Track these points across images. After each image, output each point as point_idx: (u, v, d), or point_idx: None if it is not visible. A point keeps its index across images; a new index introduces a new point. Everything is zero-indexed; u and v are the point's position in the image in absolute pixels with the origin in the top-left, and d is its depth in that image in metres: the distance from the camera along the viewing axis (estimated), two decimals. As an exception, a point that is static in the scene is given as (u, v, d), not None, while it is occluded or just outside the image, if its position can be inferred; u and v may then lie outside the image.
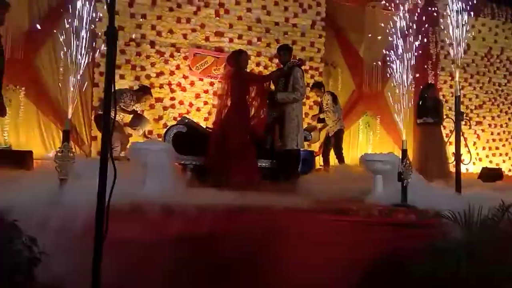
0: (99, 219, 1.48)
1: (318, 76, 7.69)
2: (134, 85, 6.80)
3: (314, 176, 4.58)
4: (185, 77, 7.10)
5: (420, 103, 5.99)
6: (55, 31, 6.29)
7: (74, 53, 2.92)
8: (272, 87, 4.75)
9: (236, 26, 7.34)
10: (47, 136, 6.61)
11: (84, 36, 2.96)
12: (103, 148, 1.49)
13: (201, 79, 7.18)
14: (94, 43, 6.19)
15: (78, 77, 2.94)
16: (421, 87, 6.31)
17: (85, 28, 2.95)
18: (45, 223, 2.50)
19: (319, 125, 6.86)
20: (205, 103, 7.18)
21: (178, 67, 7.06)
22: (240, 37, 7.35)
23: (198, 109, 7.14)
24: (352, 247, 2.86)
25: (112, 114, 1.43)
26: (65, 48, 2.89)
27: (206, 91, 7.19)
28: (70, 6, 3.08)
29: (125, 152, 5.97)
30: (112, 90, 1.38)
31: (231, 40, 7.30)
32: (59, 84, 6.60)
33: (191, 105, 7.11)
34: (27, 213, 2.48)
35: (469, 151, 4.05)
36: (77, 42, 2.94)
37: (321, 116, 6.77)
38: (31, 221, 2.45)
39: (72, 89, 2.79)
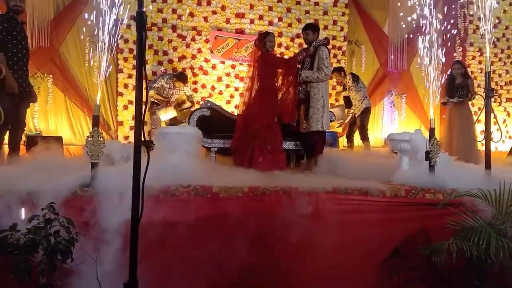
0: (135, 201, 1.53)
1: (341, 55, 7.57)
2: (157, 70, 6.88)
3: (339, 157, 4.55)
4: (206, 60, 7.11)
5: (448, 81, 5.83)
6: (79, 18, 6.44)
7: (99, 39, 2.96)
8: (298, 66, 4.70)
9: (257, 7, 7.26)
10: (75, 122, 6.79)
11: (108, 22, 2.99)
12: (136, 132, 1.52)
13: (222, 62, 7.17)
14: (118, 29, 6.28)
15: (105, 64, 2.99)
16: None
17: (109, 14, 2.99)
18: (79, 205, 2.61)
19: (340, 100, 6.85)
20: (227, 86, 7.19)
21: (199, 51, 7.07)
22: (261, 17, 7.27)
23: (220, 92, 7.16)
24: (380, 226, 2.87)
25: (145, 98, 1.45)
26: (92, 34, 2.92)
27: (228, 74, 7.19)
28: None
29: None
30: (144, 75, 1.40)
31: (251, 21, 7.24)
32: (85, 71, 6.76)
33: (213, 88, 7.14)
34: (62, 196, 2.60)
35: (499, 129, 3.93)
36: (101, 29, 2.98)
37: (344, 93, 6.74)
38: (66, 204, 2.57)
39: (100, 75, 2.84)
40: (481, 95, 4.38)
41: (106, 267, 2.40)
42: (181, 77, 6.43)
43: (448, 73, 5.88)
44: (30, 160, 4.19)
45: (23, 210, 2.31)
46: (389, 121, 8.00)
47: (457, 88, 5.74)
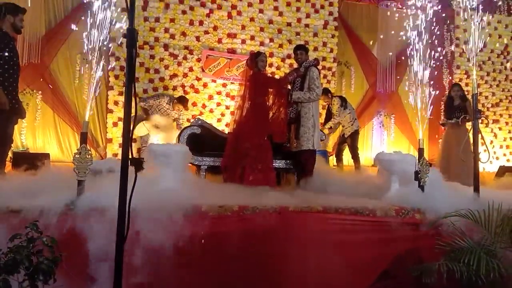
0: (121, 219, 1.49)
1: (331, 76, 7.66)
2: (148, 88, 6.88)
3: (329, 176, 4.55)
4: (198, 79, 7.14)
5: (447, 103, 5.95)
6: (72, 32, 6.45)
7: (90, 57, 2.95)
8: (288, 87, 4.74)
9: (249, 28, 7.36)
10: (63, 139, 6.72)
11: (100, 40, 2.99)
12: (124, 149, 1.50)
13: (214, 81, 7.21)
14: (109, 47, 6.30)
15: (95, 81, 2.97)
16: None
17: (100, 32, 2.99)
18: (64, 223, 2.55)
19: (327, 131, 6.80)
20: (218, 104, 7.21)
21: (191, 69, 7.11)
22: (252, 38, 7.37)
23: (211, 111, 7.18)
24: (370, 246, 2.85)
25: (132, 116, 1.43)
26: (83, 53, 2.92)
27: (219, 93, 7.22)
28: (86, 10, 3.12)
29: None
30: (133, 92, 1.39)
31: (243, 42, 7.33)
32: (75, 87, 6.74)
33: (204, 106, 7.15)
34: (46, 214, 2.53)
35: (487, 150, 3.98)
36: (92, 46, 2.97)
37: (330, 124, 6.69)
38: (50, 222, 2.51)
39: (89, 92, 2.82)
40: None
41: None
42: (181, 100, 6.44)
43: (447, 95, 6.02)
44: (16, 177, 4.10)
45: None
46: (379, 141, 8.06)
47: (456, 109, 5.84)
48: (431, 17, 3.70)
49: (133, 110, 1.49)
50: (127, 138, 1.49)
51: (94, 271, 2.43)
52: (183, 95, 6.77)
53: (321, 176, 4.37)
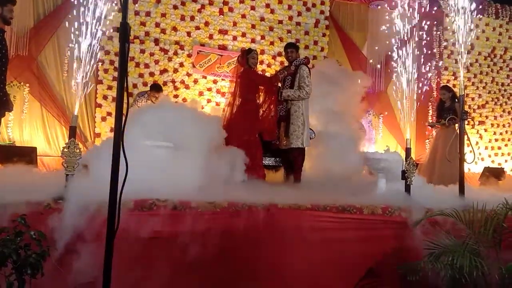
0: (111, 213, 1.49)
1: (321, 74, 7.69)
2: (138, 82, 6.83)
3: (317, 174, 4.58)
4: (188, 74, 7.11)
5: (438, 105, 6.04)
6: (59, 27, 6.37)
7: (79, 50, 2.93)
8: (279, 85, 4.76)
9: (240, 24, 7.35)
10: (50, 132, 6.64)
11: (89, 33, 2.97)
12: (115, 144, 1.50)
13: (204, 77, 7.19)
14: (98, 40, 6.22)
15: (84, 74, 2.96)
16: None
17: (90, 25, 2.97)
18: (52, 218, 2.53)
19: None
20: (209, 100, 7.19)
21: (181, 65, 7.07)
22: (243, 35, 7.36)
23: (201, 107, 7.15)
24: (356, 244, 2.88)
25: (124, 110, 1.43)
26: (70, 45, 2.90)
27: (209, 89, 7.20)
28: (76, 3, 3.10)
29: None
30: (125, 85, 1.39)
31: (234, 38, 7.32)
32: (63, 80, 6.65)
33: (194, 102, 7.13)
34: (34, 208, 2.52)
35: (472, 151, 4.05)
36: (82, 39, 2.96)
37: None
38: (38, 216, 2.49)
39: (79, 85, 2.80)
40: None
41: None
42: (154, 87, 6.36)
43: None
44: (1, 170, 4.06)
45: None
46: (367, 140, 8.12)
47: (446, 111, 5.92)
48: (420, 19, 3.75)
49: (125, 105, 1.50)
50: (119, 132, 1.49)
51: (81, 265, 2.42)
52: (154, 82, 6.67)
53: (310, 174, 4.40)
